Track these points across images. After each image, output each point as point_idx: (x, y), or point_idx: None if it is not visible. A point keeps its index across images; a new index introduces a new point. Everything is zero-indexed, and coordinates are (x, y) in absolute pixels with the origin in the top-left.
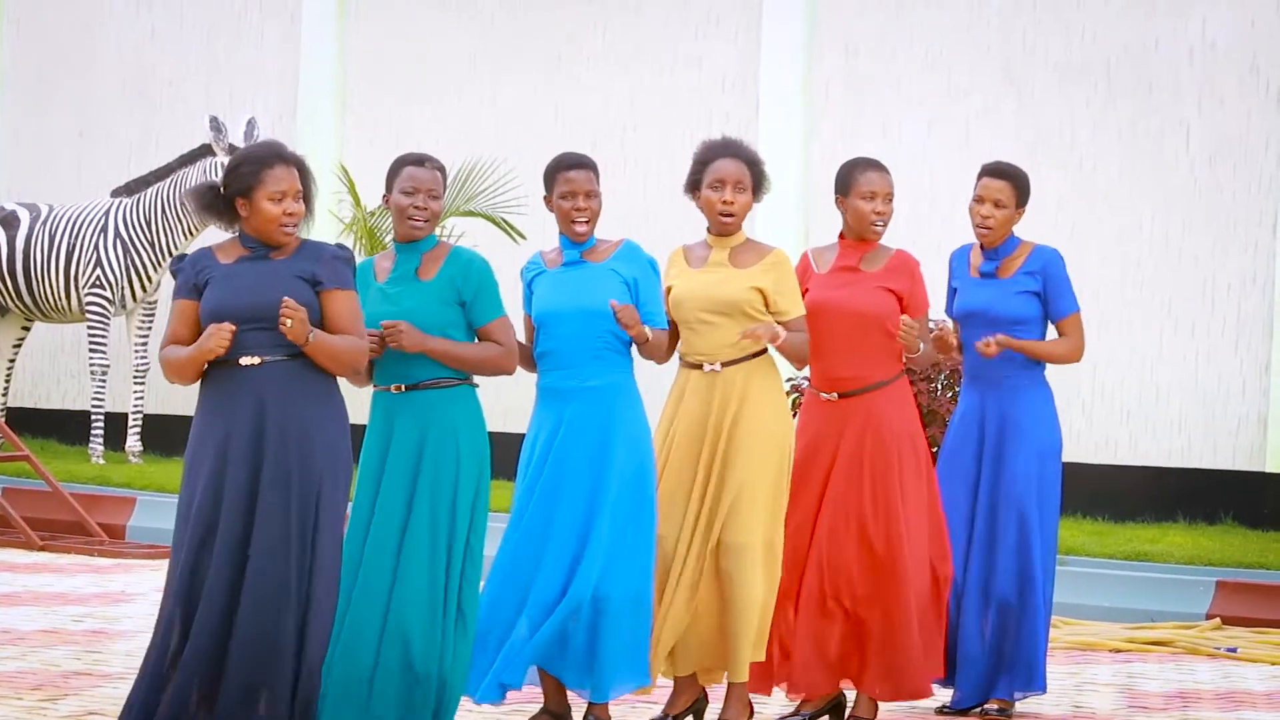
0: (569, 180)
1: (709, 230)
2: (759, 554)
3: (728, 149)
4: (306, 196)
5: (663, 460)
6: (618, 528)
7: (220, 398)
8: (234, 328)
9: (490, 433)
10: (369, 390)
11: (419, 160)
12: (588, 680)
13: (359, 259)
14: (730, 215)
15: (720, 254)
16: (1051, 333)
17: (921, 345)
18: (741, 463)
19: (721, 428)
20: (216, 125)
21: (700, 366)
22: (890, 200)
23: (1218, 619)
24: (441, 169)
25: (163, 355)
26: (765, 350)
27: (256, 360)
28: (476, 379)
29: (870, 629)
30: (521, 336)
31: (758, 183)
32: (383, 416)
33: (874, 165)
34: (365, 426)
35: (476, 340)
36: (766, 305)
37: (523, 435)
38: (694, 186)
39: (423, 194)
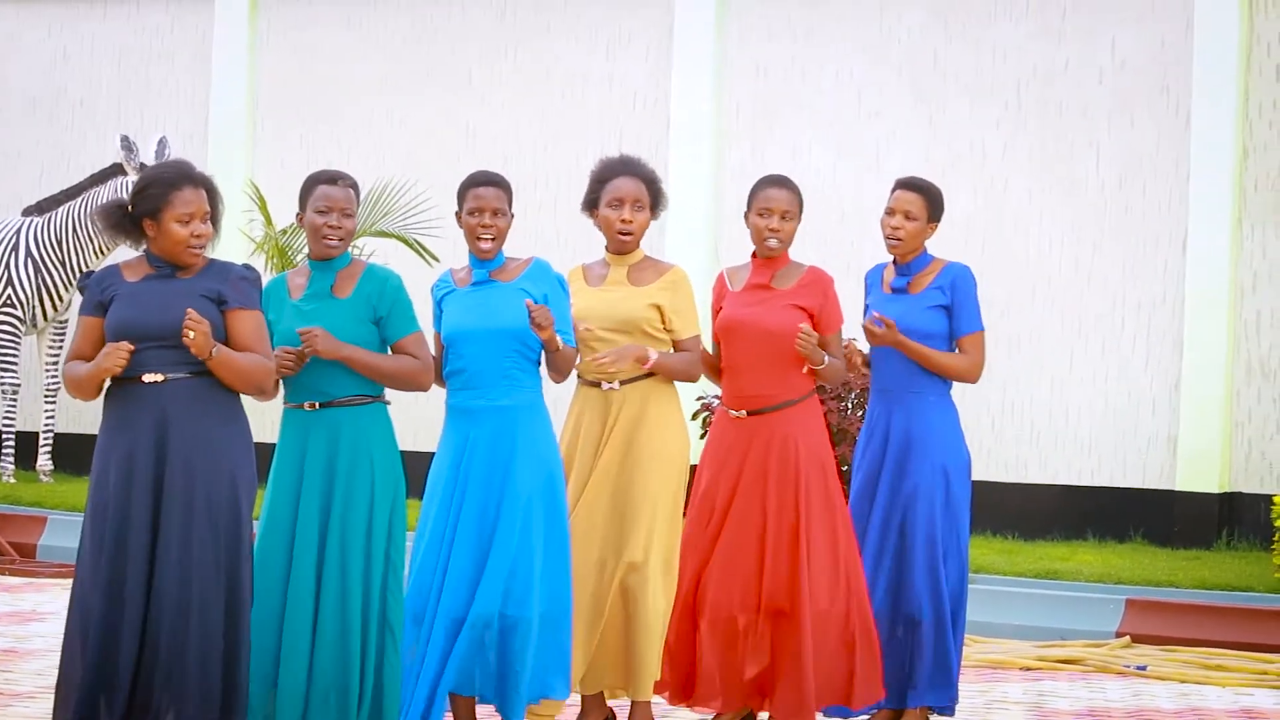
0: (477, 197)
1: (607, 248)
2: (660, 572)
3: (626, 167)
4: (214, 218)
5: (567, 479)
6: (525, 546)
7: (123, 415)
8: (131, 348)
9: (401, 451)
10: (275, 407)
11: (332, 179)
12: (496, 697)
13: (269, 278)
14: (629, 234)
15: (619, 272)
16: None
17: (828, 359)
18: (641, 482)
19: (619, 446)
20: (127, 145)
21: (598, 385)
22: (788, 218)
23: (1127, 637)
24: (355, 186)
25: (65, 370)
26: None
27: (160, 378)
28: (389, 396)
29: (772, 647)
30: (432, 352)
31: (655, 201)
32: (296, 433)
33: (774, 182)
34: (273, 444)
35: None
36: (664, 323)
37: (432, 453)
38: (591, 204)
39: (336, 212)
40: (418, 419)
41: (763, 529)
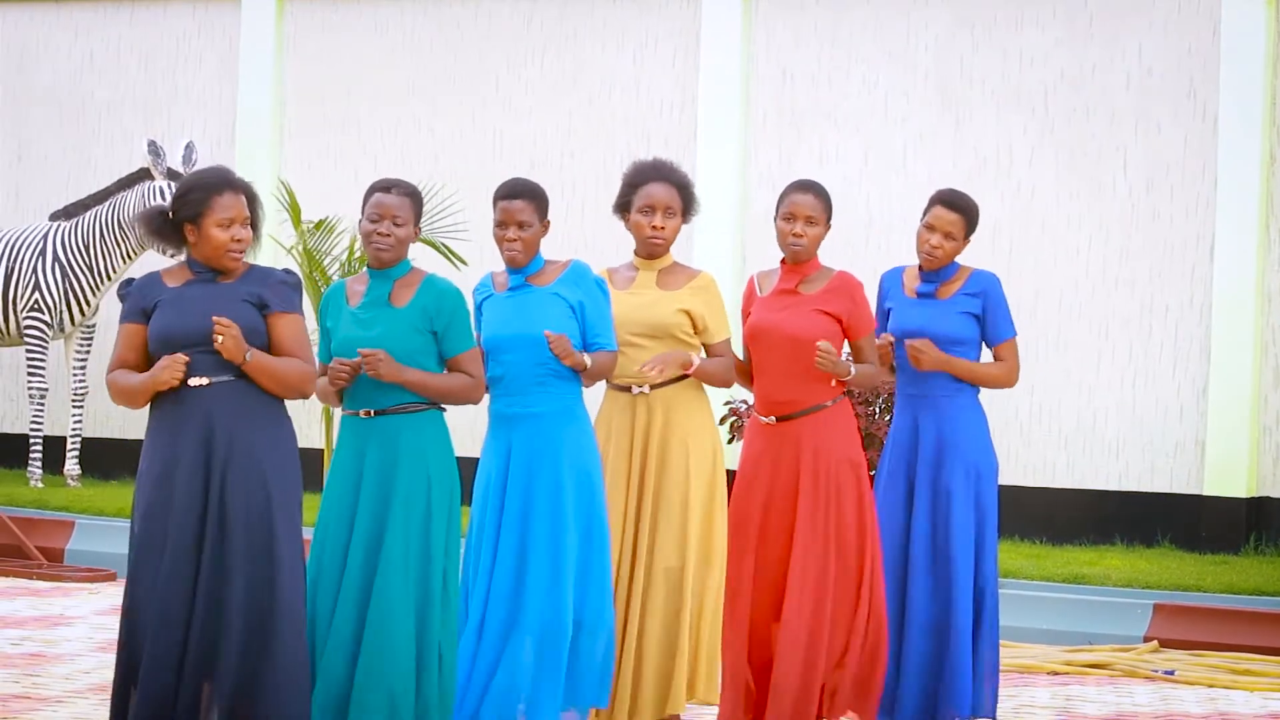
0: (503, 209)
1: (636, 252)
2: (696, 578)
3: (658, 172)
4: (254, 223)
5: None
6: (560, 554)
7: (168, 419)
8: (188, 359)
9: (461, 457)
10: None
11: (386, 187)
12: (561, 705)
13: (302, 281)
14: (659, 240)
15: (647, 276)
16: (986, 356)
17: (855, 367)
18: (674, 485)
19: (651, 451)
20: (154, 149)
21: (629, 389)
22: (812, 223)
23: (1155, 641)
24: (411, 194)
25: (111, 379)
26: None
27: (205, 381)
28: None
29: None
30: None
31: (687, 206)
32: (352, 441)
33: (800, 187)
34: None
35: (447, 369)
36: (694, 328)
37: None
38: (623, 208)
39: (387, 220)
40: (480, 426)
41: (790, 540)
